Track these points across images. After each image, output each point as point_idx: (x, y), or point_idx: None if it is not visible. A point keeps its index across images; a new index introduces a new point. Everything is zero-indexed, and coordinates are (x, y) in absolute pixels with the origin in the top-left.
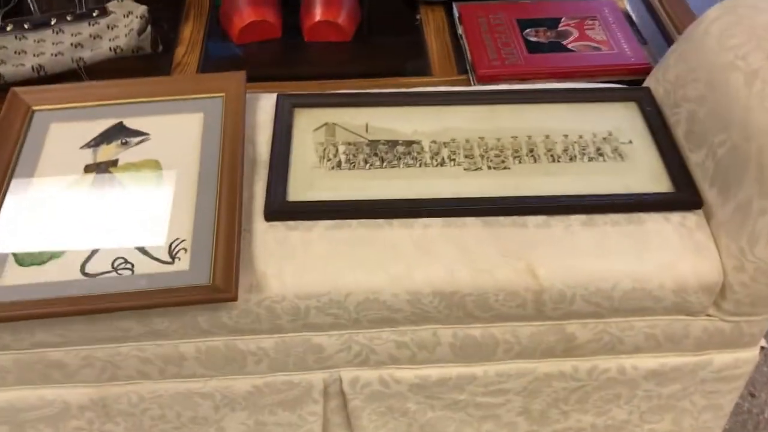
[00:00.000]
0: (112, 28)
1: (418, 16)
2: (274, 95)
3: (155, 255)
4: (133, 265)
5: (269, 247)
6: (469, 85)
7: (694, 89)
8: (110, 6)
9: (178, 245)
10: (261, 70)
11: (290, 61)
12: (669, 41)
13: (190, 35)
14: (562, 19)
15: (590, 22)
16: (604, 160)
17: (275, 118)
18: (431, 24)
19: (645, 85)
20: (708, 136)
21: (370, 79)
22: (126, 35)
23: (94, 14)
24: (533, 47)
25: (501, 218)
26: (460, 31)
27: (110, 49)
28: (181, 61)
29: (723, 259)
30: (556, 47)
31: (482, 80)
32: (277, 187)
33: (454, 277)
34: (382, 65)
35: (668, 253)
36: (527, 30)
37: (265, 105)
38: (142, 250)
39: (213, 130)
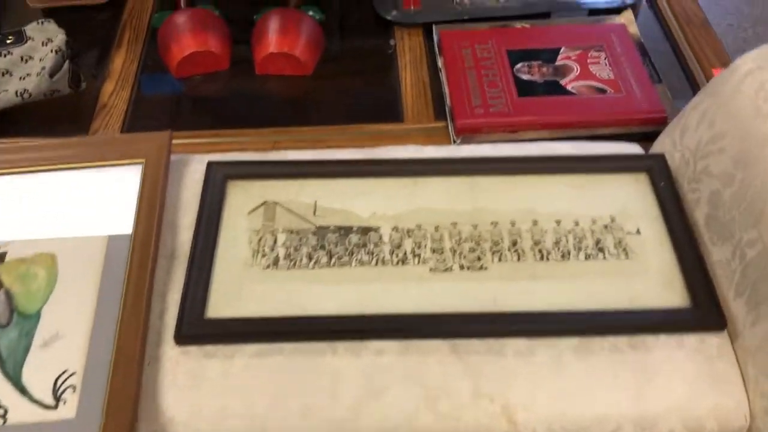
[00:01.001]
0: (26, 61)
1: (392, 42)
2: (207, 159)
3: (36, 395)
4: (6, 411)
5: (179, 381)
6: (447, 134)
7: (720, 163)
8: (28, 30)
9: (65, 381)
10: (202, 112)
11: (237, 100)
12: (690, 78)
13: (122, 66)
14: (562, 51)
15: (595, 55)
16: (605, 258)
17: (203, 195)
18: (407, 53)
19: (658, 144)
20: (735, 228)
21: (329, 126)
22: (38, 74)
23: (8, 41)
24: (525, 88)
25: (474, 341)
26: (440, 63)
27: (17, 93)
28: (107, 102)
29: (750, 396)
30: (553, 88)
31: (462, 132)
32: (193, 298)
33: (411, 424)
34: (345, 107)
35: (681, 389)
36: (519, 65)
37: (194, 172)
38: (20, 388)
39: (125, 213)
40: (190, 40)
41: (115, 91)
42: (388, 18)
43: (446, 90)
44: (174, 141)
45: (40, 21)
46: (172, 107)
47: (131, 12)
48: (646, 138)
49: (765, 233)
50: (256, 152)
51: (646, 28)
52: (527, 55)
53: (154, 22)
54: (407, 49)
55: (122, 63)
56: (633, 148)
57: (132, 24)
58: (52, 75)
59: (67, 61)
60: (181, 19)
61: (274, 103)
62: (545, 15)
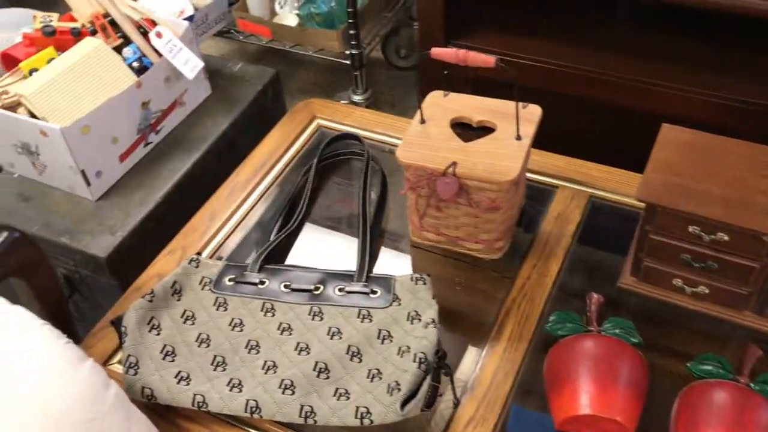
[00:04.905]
0: (383, 340)
1: None
2: None
3: None
4: None
5: None
6: None
7: None
8: (399, 283)
9: None
10: None
11: None
12: None
13: (491, 381)
14: None
15: None
16: None
17: None
18: None
19: None
20: None
21: None
22: (389, 391)
23: (373, 292)
24: None
25: None
26: None
27: (357, 413)
28: None
29: None
30: None
31: None
32: None
33: None
34: None
35: None
36: None
37: None
38: None
39: None
40: (587, 396)
41: (473, 421)
42: None
43: None
44: None
45: (416, 277)
46: None
47: (522, 288)
48: None
49: None
50: None
51: None
52: None
53: (549, 327)
54: None
55: (492, 375)
56: None
57: (520, 308)
58: (405, 402)
59: (428, 378)
60: (586, 347)
61: None
62: None
